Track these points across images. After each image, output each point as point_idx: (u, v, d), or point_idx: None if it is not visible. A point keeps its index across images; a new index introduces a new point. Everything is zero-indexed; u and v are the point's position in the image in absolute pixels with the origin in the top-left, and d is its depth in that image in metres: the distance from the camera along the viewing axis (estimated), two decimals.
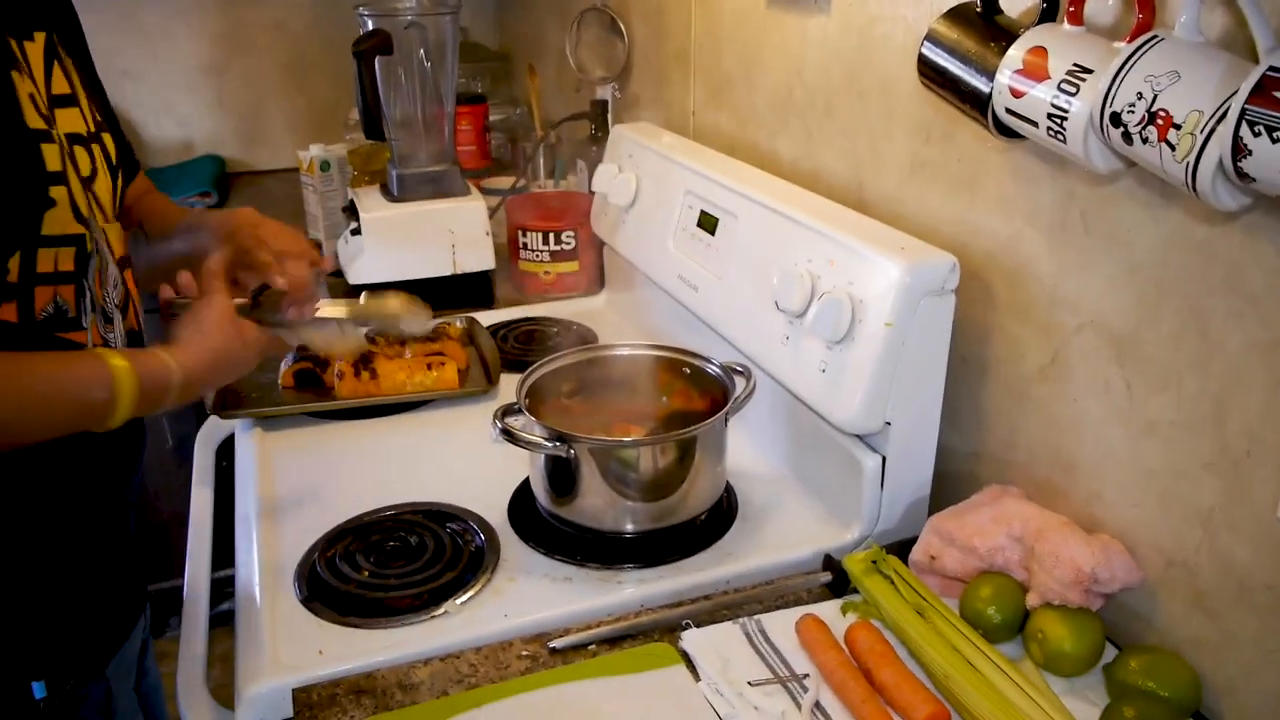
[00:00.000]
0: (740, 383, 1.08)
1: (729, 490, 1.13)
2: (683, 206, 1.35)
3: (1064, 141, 0.81)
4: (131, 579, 1.03)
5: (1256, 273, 0.76)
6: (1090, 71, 0.78)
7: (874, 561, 0.96)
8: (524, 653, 0.90)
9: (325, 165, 1.96)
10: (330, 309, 1.09)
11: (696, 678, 0.87)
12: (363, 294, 1.14)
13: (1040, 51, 0.83)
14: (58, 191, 0.83)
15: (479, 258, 1.68)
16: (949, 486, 1.09)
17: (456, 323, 1.53)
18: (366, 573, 1.00)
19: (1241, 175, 0.66)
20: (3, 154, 0.79)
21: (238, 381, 1.17)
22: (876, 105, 1.18)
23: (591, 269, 1.74)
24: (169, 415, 2.07)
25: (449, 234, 1.65)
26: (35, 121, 0.82)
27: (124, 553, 1.00)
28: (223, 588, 1.08)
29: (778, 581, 0.99)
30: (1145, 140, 0.72)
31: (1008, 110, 0.87)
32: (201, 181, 2.41)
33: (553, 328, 1.60)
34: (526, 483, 1.12)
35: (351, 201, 1.72)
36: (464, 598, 0.97)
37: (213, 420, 1.32)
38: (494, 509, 1.10)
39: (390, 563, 1.01)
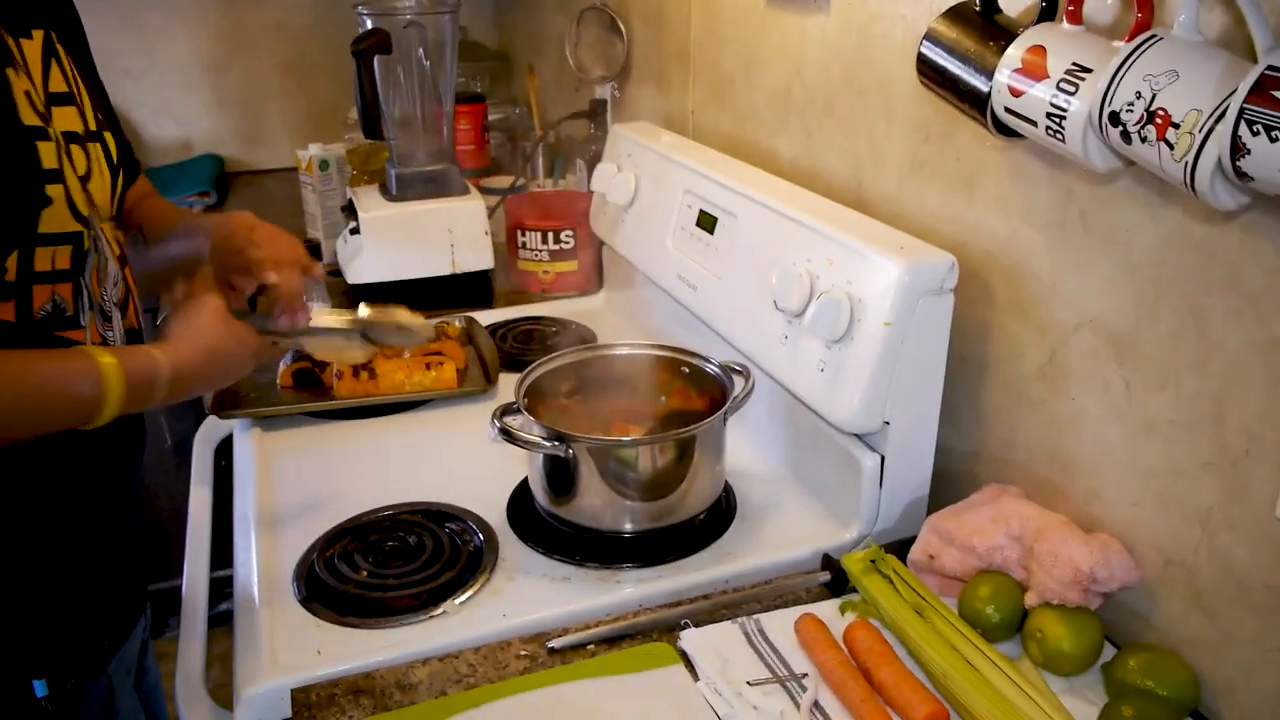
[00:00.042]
0: (739, 382, 1.08)
1: (728, 490, 1.13)
2: (682, 206, 1.35)
3: (1063, 140, 0.81)
4: (132, 577, 1.03)
5: (1255, 272, 0.76)
6: (1089, 70, 0.78)
7: (873, 561, 0.96)
8: (522, 652, 0.90)
9: (324, 164, 1.95)
10: (331, 318, 1.09)
11: (695, 677, 0.87)
12: (361, 305, 1.14)
13: (1039, 50, 0.83)
14: (54, 190, 0.82)
15: (478, 257, 1.68)
16: (948, 486, 1.09)
17: (455, 322, 1.53)
18: (365, 573, 1.00)
19: (1240, 174, 0.65)
20: None
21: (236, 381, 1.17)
22: (876, 104, 1.18)
23: (590, 268, 1.74)
24: (167, 415, 2.07)
25: (448, 233, 1.65)
26: (30, 119, 0.82)
27: (125, 551, 1.00)
28: (221, 588, 1.07)
29: (776, 581, 0.99)
30: (1144, 139, 0.72)
31: (1006, 109, 0.87)
32: (200, 181, 2.41)
33: (551, 327, 1.60)
34: (525, 482, 1.12)
35: (350, 201, 1.72)
36: (462, 598, 0.96)
37: (211, 420, 1.32)
38: (492, 509, 1.10)
39: (389, 563, 1.01)
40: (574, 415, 1.14)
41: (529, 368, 1.11)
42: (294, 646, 0.91)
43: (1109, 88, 0.74)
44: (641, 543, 1.03)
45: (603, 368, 1.17)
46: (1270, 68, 0.63)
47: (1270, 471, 0.77)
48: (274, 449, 1.26)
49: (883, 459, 1.03)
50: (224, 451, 1.32)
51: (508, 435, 1.00)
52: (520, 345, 1.54)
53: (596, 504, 1.02)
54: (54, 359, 0.80)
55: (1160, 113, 0.71)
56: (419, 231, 1.64)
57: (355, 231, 1.65)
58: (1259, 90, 0.63)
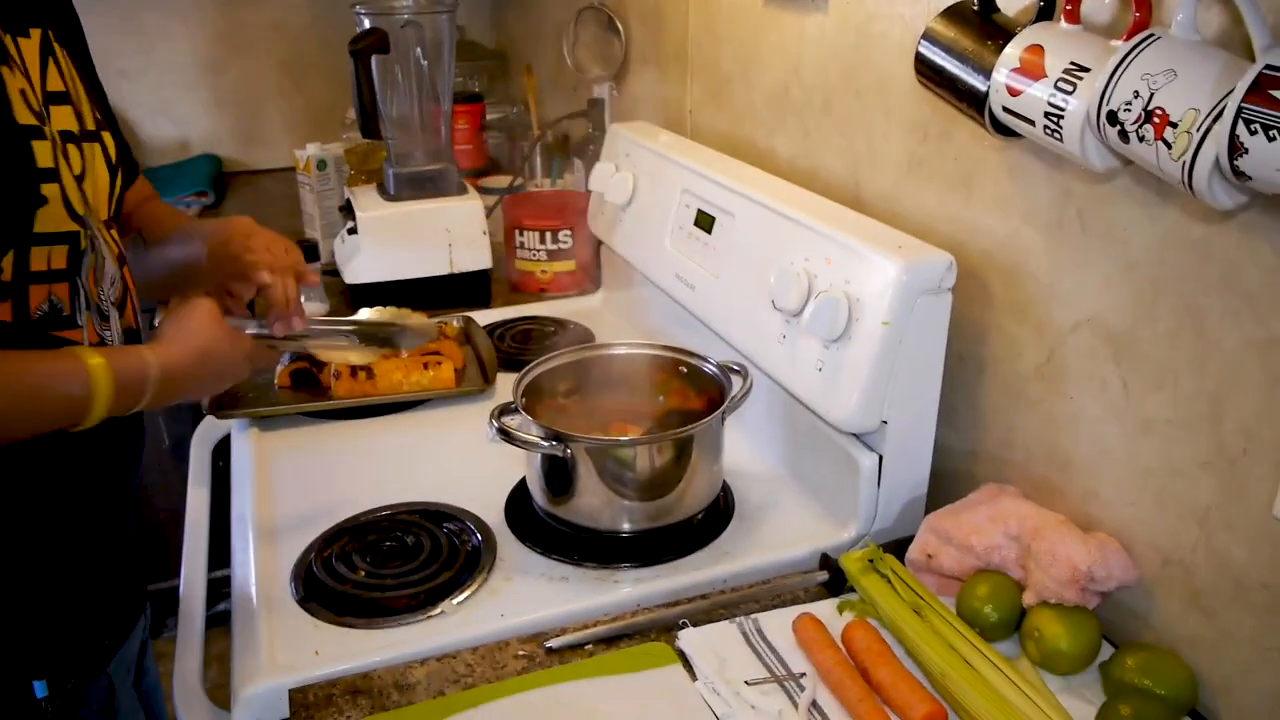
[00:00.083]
0: (737, 382, 1.08)
1: (726, 489, 1.13)
2: (680, 205, 1.35)
3: (1061, 140, 0.81)
4: (132, 577, 1.03)
5: (1253, 271, 0.76)
6: (1087, 70, 0.78)
7: (871, 560, 0.96)
8: (520, 652, 0.90)
9: (322, 164, 1.95)
10: (331, 322, 1.09)
11: (693, 677, 0.86)
12: (361, 310, 1.14)
13: (1037, 50, 0.83)
14: (50, 189, 0.82)
15: (476, 257, 1.68)
16: (946, 485, 1.09)
17: (453, 322, 1.53)
18: (363, 573, 1.00)
19: (1238, 174, 0.65)
20: None
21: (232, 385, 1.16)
22: (874, 103, 1.18)
23: (588, 268, 1.74)
24: (165, 415, 2.07)
25: (446, 233, 1.65)
26: (25, 117, 0.81)
27: (124, 550, 1.00)
28: (219, 588, 1.07)
29: (774, 580, 0.99)
30: (1142, 139, 0.72)
31: (1004, 109, 0.87)
32: (198, 181, 2.41)
33: (549, 327, 1.60)
34: (523, 482, 1.12)
35: (348, 200, 1.72)
36: (460, 598, 0.96)
37: (209, 420, 1.32)
38: (490, 508, 1.10)
39: (387, 563, 1.01)
40: (572, 415, 1.14)
41: (527, 367, 1.11)
42: (292, 647, 0.91)
43: (1107, 87, 0.74)
44: (639, 542, 1.03)
45: (601, 367, 1.16)
46: (1268, 67, 0.63)
47: (1268, 471, 0.78)
48: (272, 449, 1.26)
49: (881, 458, 1.03)
50: (222, 452, 1.32)
51: (506, 435, 1.00)
52: (518, 345, 1.54)
53: (594, 504, 1.02)
54: (42, 360, 0.80)
55: (1158, 112, 0.71)
56: (416, 231, 1.64)
57: (353, 231, 1.65)
58: (1257, 89, 0.63)
